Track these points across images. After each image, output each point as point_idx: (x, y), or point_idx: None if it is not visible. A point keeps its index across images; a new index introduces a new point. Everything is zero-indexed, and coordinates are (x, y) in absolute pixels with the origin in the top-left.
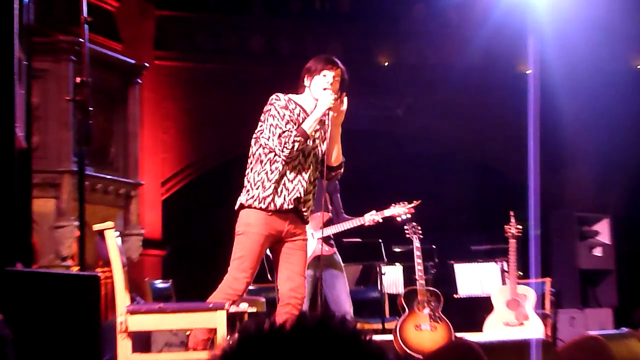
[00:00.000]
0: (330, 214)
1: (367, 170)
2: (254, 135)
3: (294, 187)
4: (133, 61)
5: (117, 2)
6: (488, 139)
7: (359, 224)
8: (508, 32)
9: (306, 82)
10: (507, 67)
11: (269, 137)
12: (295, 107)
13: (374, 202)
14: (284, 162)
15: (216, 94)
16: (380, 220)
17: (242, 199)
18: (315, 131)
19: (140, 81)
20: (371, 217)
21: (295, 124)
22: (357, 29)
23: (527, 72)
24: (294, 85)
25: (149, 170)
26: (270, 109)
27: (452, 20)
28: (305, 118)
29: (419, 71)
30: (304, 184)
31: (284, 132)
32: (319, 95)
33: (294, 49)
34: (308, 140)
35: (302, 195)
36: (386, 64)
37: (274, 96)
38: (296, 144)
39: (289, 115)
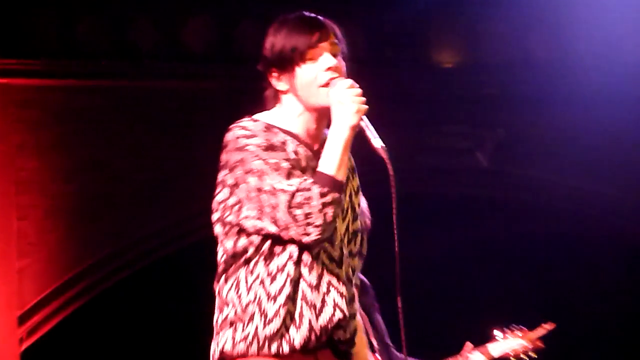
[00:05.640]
0: None
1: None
2: (216, 218)
3: (322, 298)
4: None
5: None
6: None
7: None
8: None
9: (281, 84)
10: None
11: (260, 213)
12: (285, 140)
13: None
14: (297, 254)
15: (119, 136)
16: None
17: (226, 344)
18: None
19: None
20: None
21: (301, 173)
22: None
23: None
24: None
25: None
26: (241, 160)
27: None
28: (309, 156)
29: (514, 77)
30: (341, 287)
31: (295, 192)
32: (326, 98)
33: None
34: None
35: (345, 309)
36: (450, 65)
37: (236, 130)
38: (330, 211)
39: (285, 158)
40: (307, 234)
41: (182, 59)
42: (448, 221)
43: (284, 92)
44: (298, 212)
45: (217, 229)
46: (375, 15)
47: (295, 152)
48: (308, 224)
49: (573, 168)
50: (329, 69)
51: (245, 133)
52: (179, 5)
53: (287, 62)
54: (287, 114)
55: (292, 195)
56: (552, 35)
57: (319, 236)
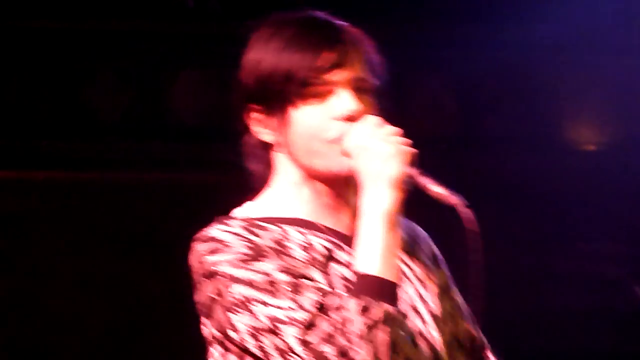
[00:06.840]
0: None
1: None
2: None
3: None
4: None
5: None
6: None
7: None
8: None
9: (266, 133)
10: None
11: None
12: (283, 236)
13: None
14: None
15: (74, 259)
16: None
17: None
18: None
19: None
20: None
21: (322, 277)
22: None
23: None
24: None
25: None
26: (217, 293)
27: None
28: (334, 244)
29: None
30: None
31: (313, 319)
32: (340, 161)
33: None
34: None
35: None
36: (591, 147)
37: (199, 246)
38: (383, 333)
39: (282, 268)
40: None
41: (170, 135)
42: None
43: (272, 148)
44: (326, 348)
45: None
46: (476, 65)
47: (307, 247)
48: None
49: None
50: (348, 117)
51: (212, 246)
52: (164, 55)
53: (275, 97)
54: (283, 187)
55: (309, 324)
56: None
57: None
